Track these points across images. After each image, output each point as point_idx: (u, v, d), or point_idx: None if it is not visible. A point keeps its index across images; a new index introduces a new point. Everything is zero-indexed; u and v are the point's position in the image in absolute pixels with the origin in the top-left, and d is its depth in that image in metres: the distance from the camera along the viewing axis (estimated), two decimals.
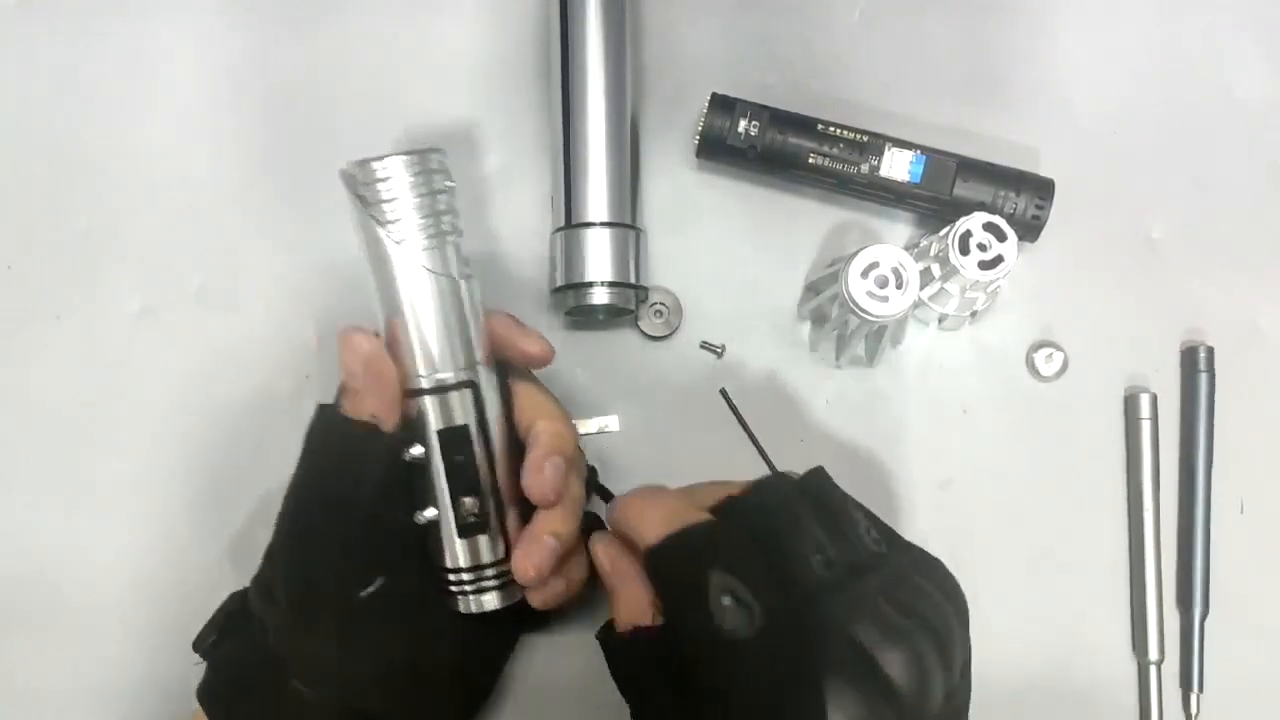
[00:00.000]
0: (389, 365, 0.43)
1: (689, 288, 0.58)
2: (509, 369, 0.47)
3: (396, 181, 0.42)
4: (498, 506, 0.44)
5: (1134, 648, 0.57)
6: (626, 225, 0.55)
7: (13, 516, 0.57)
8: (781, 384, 0.58)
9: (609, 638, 0.43)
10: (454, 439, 0.43)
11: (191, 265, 0.58)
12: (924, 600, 0.39)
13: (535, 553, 0.43)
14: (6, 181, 0.59)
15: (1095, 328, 0.58)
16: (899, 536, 0.44)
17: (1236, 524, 0.57)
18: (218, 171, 0.59)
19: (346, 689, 0.44)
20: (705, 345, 0.58)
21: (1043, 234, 0.56)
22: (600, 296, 0.54)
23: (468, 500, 0.44)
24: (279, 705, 0.45)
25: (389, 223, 0.42)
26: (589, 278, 0.54)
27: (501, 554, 0.45)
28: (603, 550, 0.44)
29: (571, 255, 0.54)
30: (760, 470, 0.56)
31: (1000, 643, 0.56)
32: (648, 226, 0.58)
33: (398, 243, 0.42)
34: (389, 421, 0.43)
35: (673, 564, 0.39)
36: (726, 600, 0.37)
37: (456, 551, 0.44)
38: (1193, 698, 0.56)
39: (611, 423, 0.56)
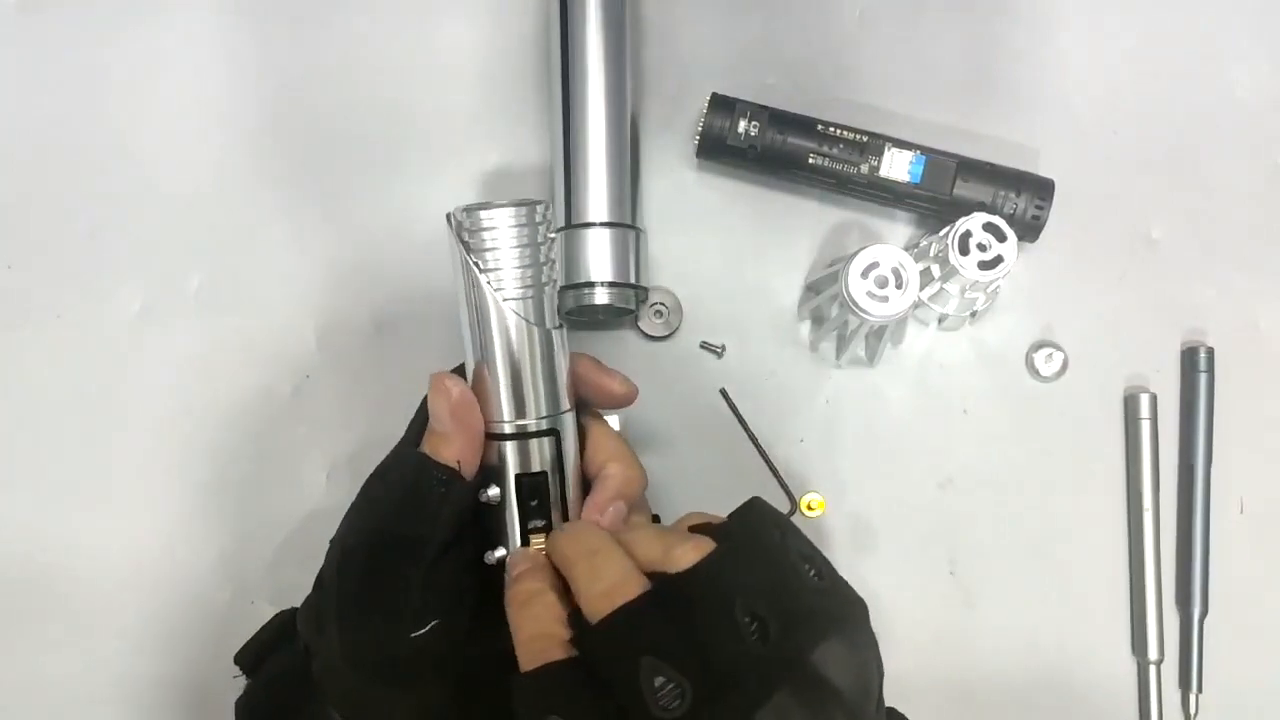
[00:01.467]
0: (477, 413, 0.43)
1: (689, 288, 0.58)
2: (583, 409, 0.47)
3: (502, 232, 0.42)
4: None
5: (1134, 648, 0.57)
6: (626, 225, 0.55)
7: (13, 516, 0.57)
8: (781, 384, 0.58)
9: (517, 678, 0.40)
10: (531, 485, 0.43)
11: (191, 265, 0.58)
12: (825, 687, 0.38)
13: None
14: (7, 181, 0.59)
15: (1095, 328, 0.58)
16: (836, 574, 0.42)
17: (1236, 524, 0.57)
18: (218, 172, 0.59)
19: None
20: (705, 345, 0.58)
21: (1043, 234, 0.56)
22: (600, 296, 0.54)
23: (539, 543, 0.43)
24: None
25: (490, 270, 0.42)
26: (589, 278, 0.54)
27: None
28: (525, 572, 0.42)
29: (572, 255, 0.54)
30: (760, 470, 0.56)
31: (1000, 642, 0.57)
32: (648, 226, 0.58)
33: (497, 290, 0.42)
34: (470, 467, 0.43)
35: (603, 649, 0.38)
36: (658, 681, 0.36)
37: None
38: (1192, 698, 0.56)
39: (612, 423, 0.56)
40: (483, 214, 0.41)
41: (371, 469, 0.55)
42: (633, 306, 0.56)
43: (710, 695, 0.36)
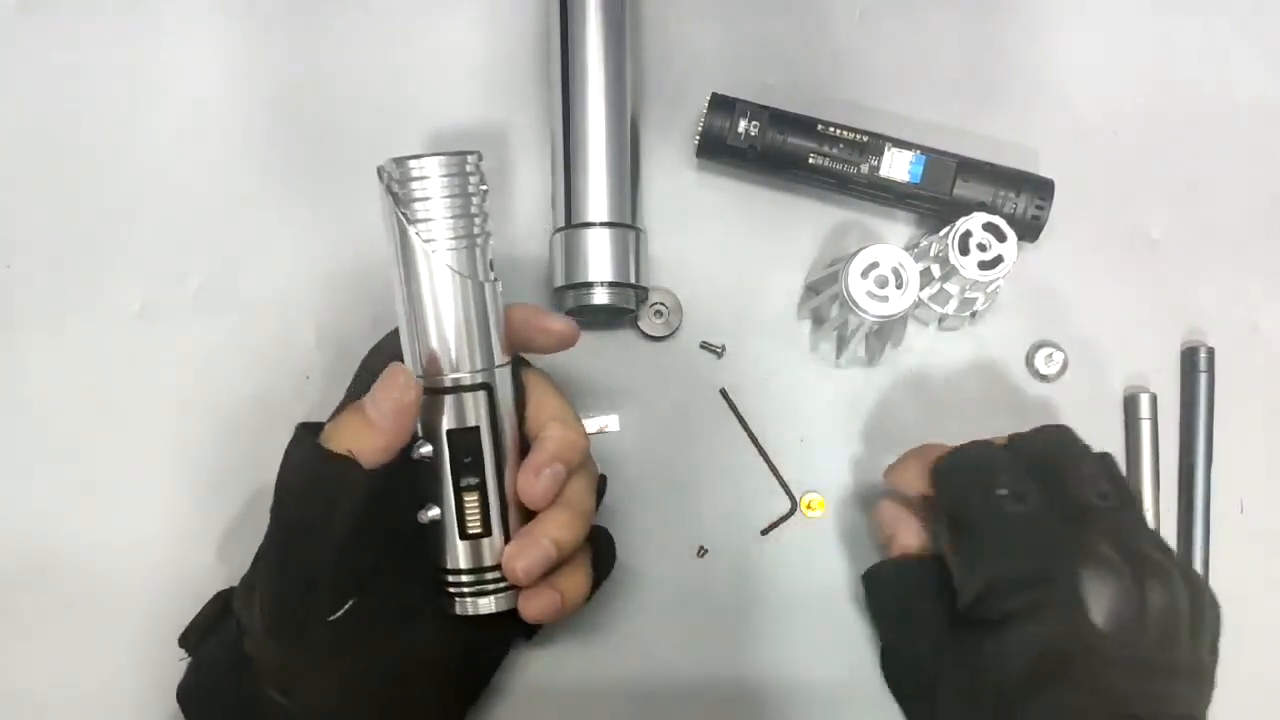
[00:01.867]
0: (412, 421, 0.43)
1: (689, 288, 0.58)
2: (525, 370, 0.47)
3: (432, 182, 0.42)
4: (502, 510, 0.44)
5: None
6: (626, 225, 0.55)
7: (13, 515, 0.57)
8: (781, 384, 0.58)
9: (878, 567, 0.50)
10: (465, 440, 0.43)
11: (191, 265, 0.58)
12: (1193, 573, 0.44)
13: (529, 553, 0.43)
14: (7, 181, 0.59)
15: (1095, 328, 0.58)
16: None
17: (1236, 524, 0.57)
18: (218, 172, 0.59)
19: (319, 701, 0.44)
20: (705, 345, 0.58)
21: (1043, 234, 0.56)
22: (600, 297, 0.54)
23: (473, 502, 0.43)
24: (253, 711, 0.44)
25: (419, 221, 0.41)
26: (589, 278, 0.54)
27: (499, 562, 0.44)
28: (885, 504, 0.51)
29: (572, 255, 0.54)
30: (760, 470, 0.56)
31: None
32: (648, 226, 0.58)
33: (426, 241, 0.41)
34: (374, 460, 0.42)
35: (958, 470, 0.45)
36: (1002, 491, 0.43)
37: (457, 553, 0.44)
38: None
39: (612, 423, 0.56)
40: (412, 163, 0.41)
41: None
42: (633, 306, 0.56)
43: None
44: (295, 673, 0.44)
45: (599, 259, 0.54)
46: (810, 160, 0.56)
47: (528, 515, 0.45)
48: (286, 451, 0.45)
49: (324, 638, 0.43)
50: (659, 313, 0.57)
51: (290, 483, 0.44)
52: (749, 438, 0.57)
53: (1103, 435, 0.58)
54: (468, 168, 0.42)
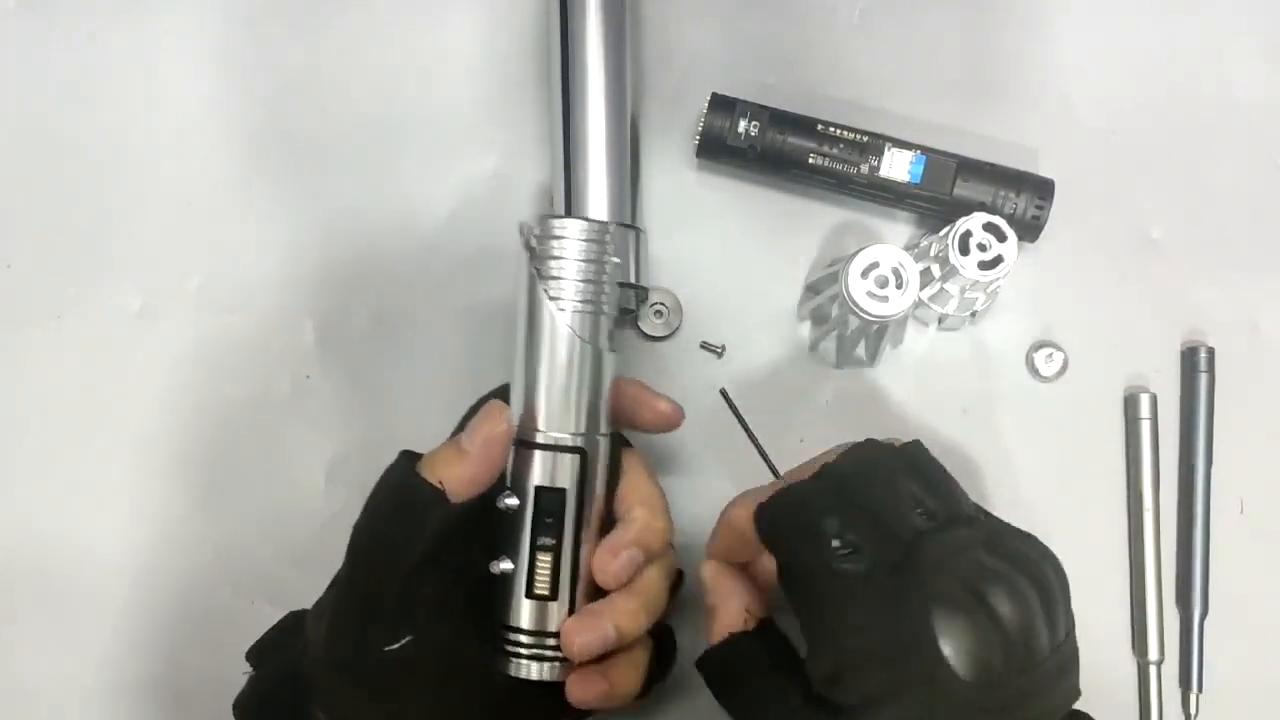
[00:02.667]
0: (504, 455, 0.43)
1: (689, 288, 0.58)
2: (624, 450, 0.47)
3: (569, 243, 0.43)
4: (573, 579, 0.44)
5: (1134, 648, 0.57)
6: (626, 225, 0.55)
7: (12, 515, 0.57)
8: (781, 384, 0.58)
9: (709, 651, 0.44)
10: (550, 499, 0.43)
11: (191, 265, 0.58)
12: (1023, 556, 0.40)
13: (589, 630, 0.42)
14: (7, 181, 0.59)
15: (1095, 328, 0.58)
16: (992, 515, 0.44)
17: (1236, 524, 0.57)
18: (218, 171, 0.59)
19: None
20: (705, 345, 0.58)
21: (1043, 234, 0.56)
22: None
23: (546, 563, 0.43)
24: None
25: (551, 279, 0.43)
26: None
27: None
28: (709, 568, 0.46)
29: None
30: (762, 470, 0.56)
31: None
32: (648, 226, 0.58)
33: (554, 299, 0.42)
34: (459, 495, 0.43)
35: (784, 515, 0.41)
36: (835, 543, 0.39)
37: (522, 611, 0.44)
38: (1192, 697, 0.56)
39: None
40: (553, 222, 0.43)
41: (373, 468, 0.55)
42: (633, 306, 0.56)
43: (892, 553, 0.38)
44: (343, 698, 0.43)
45: None
46: (810, 160, 0.56)
47: (597, 593, 0.44)
48: (384, 474, 0.45)
49: (376, 668, 0.42)
50: (659, 313, 0.57)
51: (377, 502, 0.44)
52: (749, 438, 0.56)
53: (1103, 435, 0.58)
54: (605, 238, 0.43)
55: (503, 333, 0.57)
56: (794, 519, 0.41)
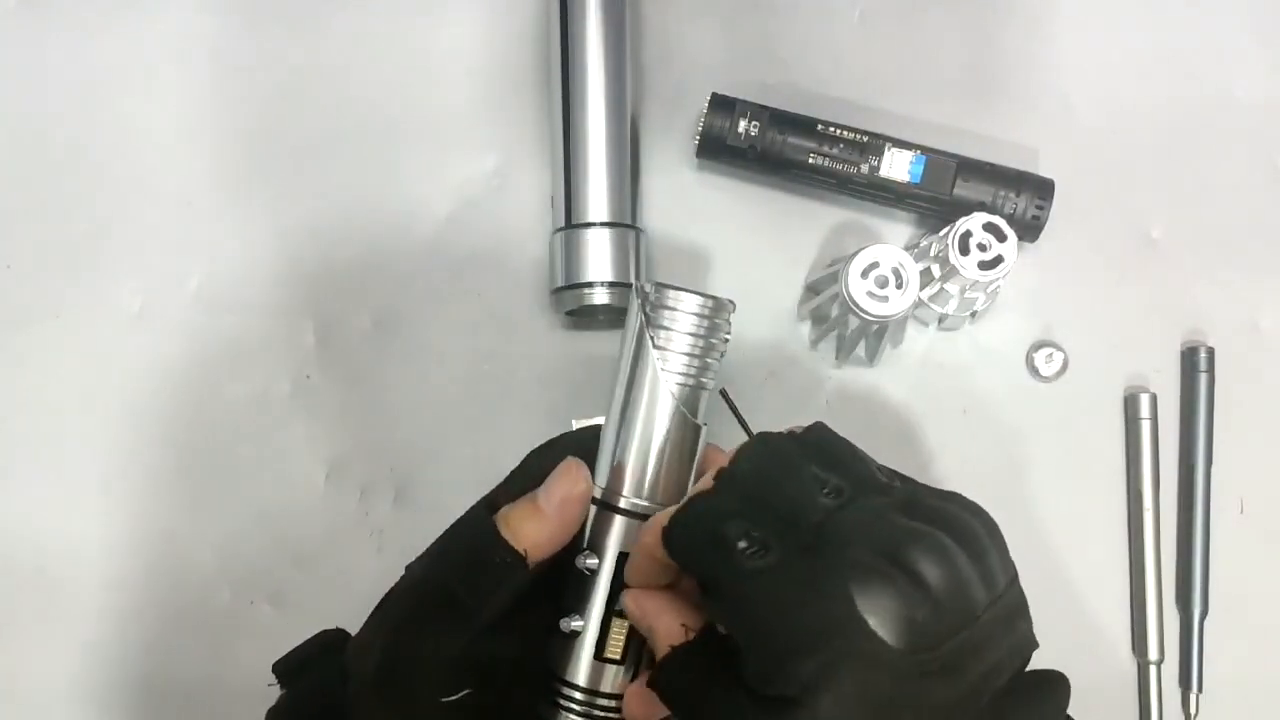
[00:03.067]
0: (581, 516, 0.43)
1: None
2: None
3: (685, 317, 0.43)
4: (640, 646, 0.44)
5: (1134, 648, 0.57)
6: (626, 225, 0.55)
7: (12, 515, 0.57)
8: (781, 384, 0.58)
9: (653, 671, 0.41)
10: None
11: (191, 265, 0.58)
12: (943, 513, 0.39)
13: (652, 700, 0.41)
14: (6, 181, 0.59)
15: (1095, 328, 0.58)
16: (912, 479, 0.43)
17: (1236, 524, 0.57)
18: (218, 171, 0.59)
19: None
20: None
21: (1043, 234, 0.56)
22: (600, 296, 0.54)
23: (621, 629, 0.43)
24: None
25: (662, 348, 0.42)
26: (589, 278, 0.54)
27: (620, 691, 0.44)
28: (631, 597, 0.43)
29: (571, 255, 0.54)
30: None
31: None
32: (648, 226, 0.58)
33: (663, 369, 0.42)
34: (536, 558, 0.42)
35: (685, 531, 0.39)
36: (742, 544, 0.37)
37: (583, 669, 0.43)
38: (1192, 698, 0.56)
39: None
40: (672, 293, 0.43)
41: (373, 469, 0.55)
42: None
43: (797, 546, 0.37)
44: None
45: (599, 259, 0.54)
46: (810, 160, 0.56)
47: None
48: (459, 523, 0.44)
49: (425, 715, 0.42)
50: None
51: (453, 552, 0.43)
52: (749, 438, 0.56)
53: (1103, 435, 0.58)
54: (721, 315, 0.43)
55: (503, 332, 0.58)
56: (697, 533, 0.39)
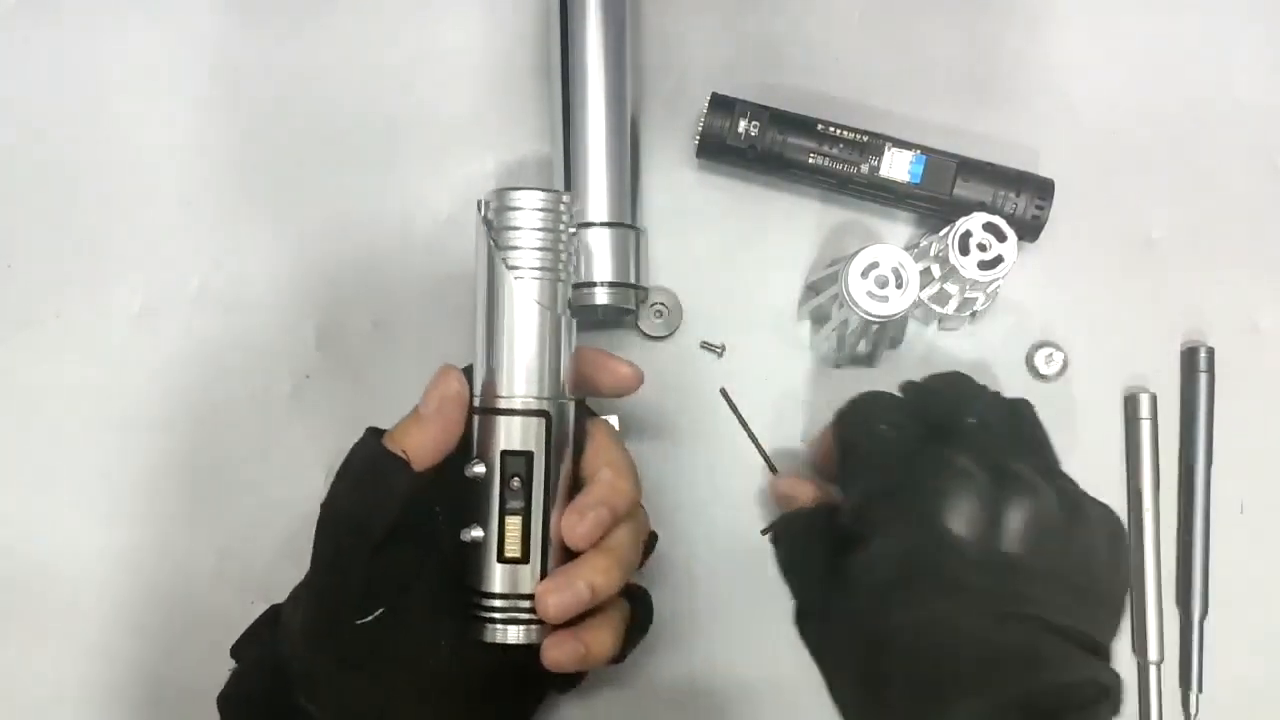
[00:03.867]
0: (460, 415, 0.44)
1: (689, 288, 0.58)
2: (590, 418, 0.47)
3: (525, 214, 0.44)
4: (544, 542, 0.44)
5: (1134, 648, 0.57)
6: (626, 225, 0.55)
7: (12, 515, 0.57)
8: (781, 384, 0.58)
9: (779, 522, 0.51)
10: (516, 463, 0.44)
11: (191, 265, 0.58)
12: (1072, 490, 0.46)
13: (562, 590, 0.42)
14: (7, 181, 0.59)
15: (1095, 328, 0.58)
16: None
17: (1236, 524, 0.57)
18: (218, 171, 0.59)
19: (341, 712, 0.44)
20: (705, 345, 0.58)
21: (1043, 234, 0.56)
22: (600, 296, 0.54)
23: (515, 526, 0.44)
24: (286, 718, 0.44)
25: (508, 249, 0.44)
26: (589, 278, 0.54)
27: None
28: (778, 481, 0.54)
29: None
30: (761, 469, 0.57)
31: None
32: (648, 226, 0.58)
33: (511, 269, 0.44)
34: (422, 461, 0.43)
35: (851, 411, 0.49)
36: (883, 427, 0.47)
37: (494, 577, 0.44)
38: (1192, 698, 0.56)
39: (612, 422, 0.56)
40: (510, 194, 0.44)
41: None
42: (633, 306, 0.56)
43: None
44: (322, 679, 0.44)
45: (599, 259, 0.54)
46: (810, 160, 0.56)
47: (569, 557, 0.44)
48: (350, 450, 0.46)
49: (350, 644, 0.43)
50: (659, 313, 0.57)
51: (343, 476, 0.45)
52: (749, 437, 0.57)
53: (1103, 435, 0.58)
54: (560, 208, 0.44)
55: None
56: (857, 409, 0.48)
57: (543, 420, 0.44)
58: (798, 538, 0.49)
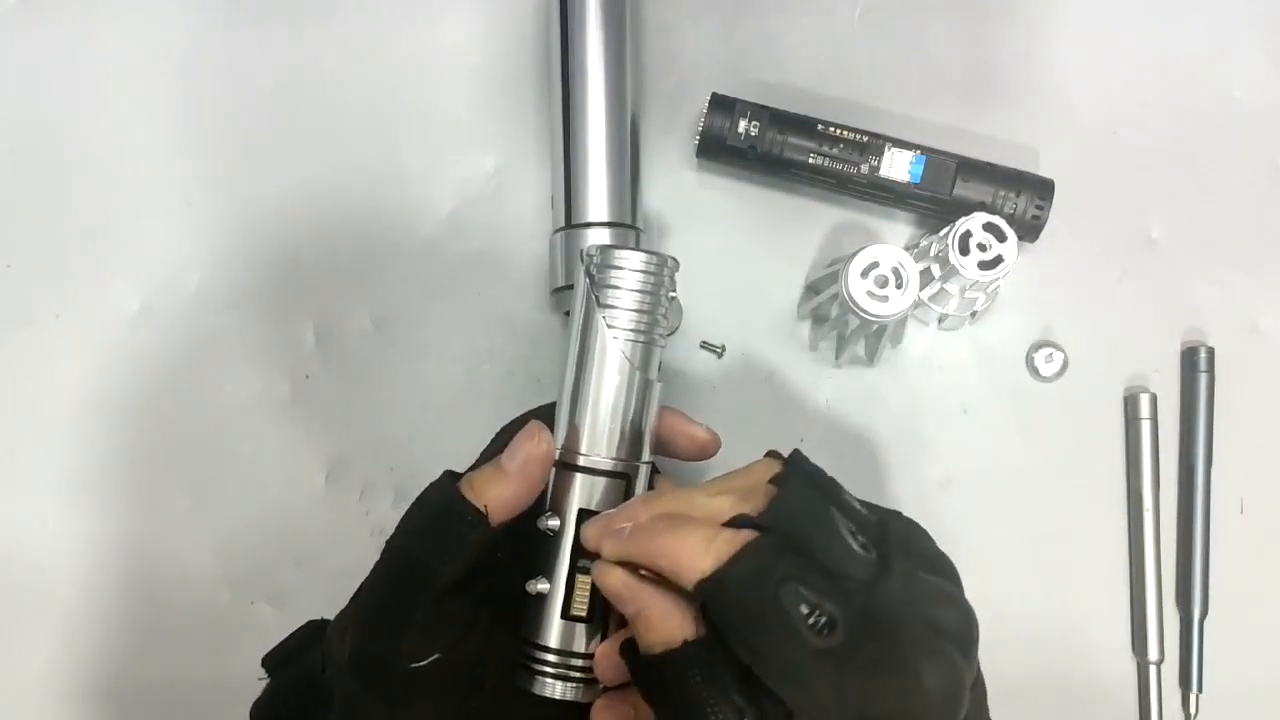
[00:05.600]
0: (544, 474, 0.43)
1: (689, 288, 0.58)
2: (659, 477, 0.46)
3: (629, 274, 0.43)
4: (607, 603, 0.43)
5: (1134, 648, 0.57)
6: (626, 225, 0.55)
7: (12, 516, 0.57)
8: (781, 384, 0.58)
9: (645, 659, 0.39)
10: None
11: (191, 265, 0.58)
12: (930, 552, 0.41)
13: (622, 666, 0.41)
14: (6, 181, 0.59)
15: (1095, 328, 0.58)
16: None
17: (1236, 524, 0.57)
18: (218, 171, 0.59)
19: None
20: (705, 345, 0.58)
21: (1043, 234, 0.56)
22: None
23: (585, 584, 0.43)
24: None
25: (609, 307, 0.43)
26: None
27: (593, 651, 0.43)
28: (613, 575, 0.40)
29: (571, 255, 0.54)
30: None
31: (1000, 643, 0.56)
32: (648, 226, 0.58)
33: (610, 327, 0.43)
34: (499, 516, 0.42)
35: (738, 591, 0.37)
36: (811, 620, 0.36)
37: (554, 630, 0.43)
38: (1192, 698, 0.56)
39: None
40: (616, 253, 0.43)
41: (373, 469, 0.55)
42: None
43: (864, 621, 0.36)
44: (362, 711, 0.43)
45: None
46: (810, 160, 0.56)
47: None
48: (425, 491, 0.44)
49: (400, 684, 0.42)
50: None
51: (418, 519, 0.44)
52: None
53: (1103, 435, 0.58)
54: (665, 272, 0.44)
55: (502, 332, 0.58)
56: (752, 598, 0.37)
57: (623, 483, 0.44)
58: (690, 683, 0.38)
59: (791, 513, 0.39)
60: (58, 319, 0.58)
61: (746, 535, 0.38)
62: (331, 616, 0.45)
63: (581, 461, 0.43)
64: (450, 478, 0.44)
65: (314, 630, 0.48)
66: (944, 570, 0.41)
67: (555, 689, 0.43)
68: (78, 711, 0.56)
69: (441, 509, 0.43)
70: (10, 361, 0.58)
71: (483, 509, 0.42)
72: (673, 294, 0.45)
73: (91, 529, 0.56)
